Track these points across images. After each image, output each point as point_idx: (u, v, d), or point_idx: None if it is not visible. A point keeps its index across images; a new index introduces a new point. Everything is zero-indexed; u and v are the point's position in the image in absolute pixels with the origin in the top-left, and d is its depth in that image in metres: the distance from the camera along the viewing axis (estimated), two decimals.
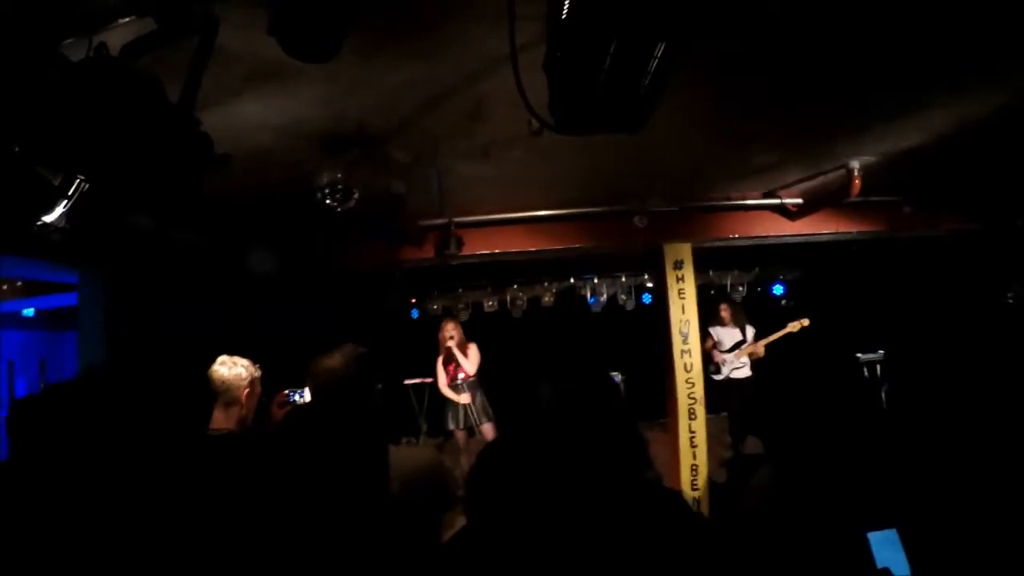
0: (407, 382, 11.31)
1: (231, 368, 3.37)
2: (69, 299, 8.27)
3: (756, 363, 9.59)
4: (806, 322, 9.64)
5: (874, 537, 2.23)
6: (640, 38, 2.06)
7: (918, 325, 9.00)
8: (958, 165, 6.56)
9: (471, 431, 8.18)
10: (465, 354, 8.19)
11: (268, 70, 3.53)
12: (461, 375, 8.19)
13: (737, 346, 9.53)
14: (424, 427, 11.50)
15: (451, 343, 8.14)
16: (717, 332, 9.74)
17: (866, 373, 10.03)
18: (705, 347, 9.30)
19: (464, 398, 8.17)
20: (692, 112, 4.57)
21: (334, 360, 2.86)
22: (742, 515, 2.64)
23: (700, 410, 7.36)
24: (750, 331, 9.71)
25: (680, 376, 7.40)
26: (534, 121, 4.36)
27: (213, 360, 3.48)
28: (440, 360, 8.42)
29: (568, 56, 2.23)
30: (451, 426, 8.33)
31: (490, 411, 8.26)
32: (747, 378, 9.55)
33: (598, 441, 2.02)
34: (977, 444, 2.48)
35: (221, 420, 3.31)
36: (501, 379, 8.52)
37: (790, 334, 9.64)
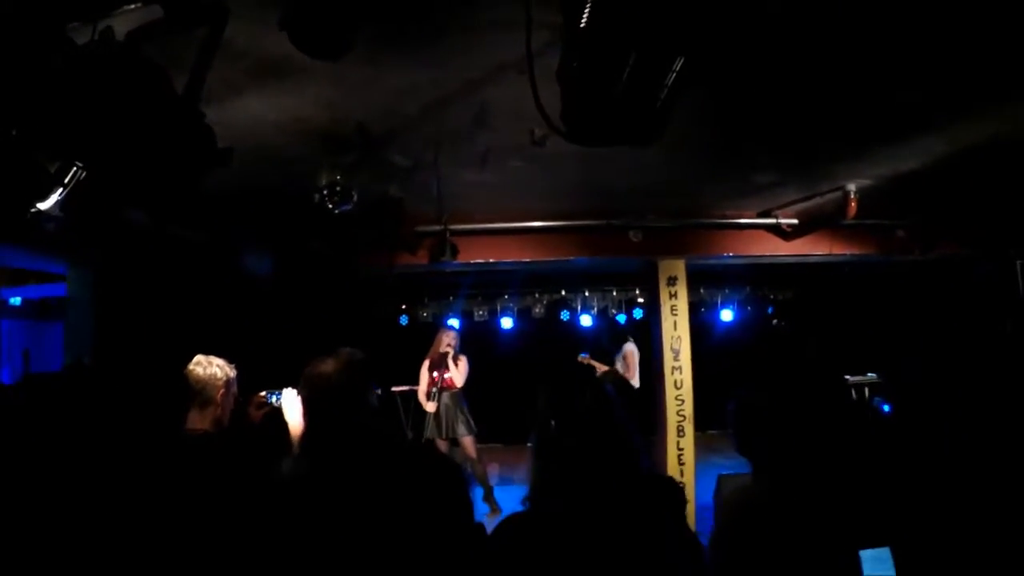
0: (394, 390, 11.23)
1: (206, 368, 3.30)
2: (56, 289, 8.19)
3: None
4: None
5: (866, 555, 2.22)
6: (660, 51, 2.03)
7: (909, 349, 9.02)
8: (952, 191, 6.59)
9: (454, 442, 8.09)
10: (456, 365, 8.14)
11: (273, 66, 3.50)
12: (442, 383, 8.12)
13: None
14: (410, 435, 11.43)
15: (449, 350, 8.08)
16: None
17: (854, 395, 10.06)
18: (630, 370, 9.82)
19: (431, 407, 8.07)
20: (692, 130, 4.56)
21: (328, 366, 2.78)
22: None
23: (689, 428, 7.35)
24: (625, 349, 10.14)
25: (670, 392, 7.39)
26: (536, 131, 4.39)
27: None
28: (426, 364, 8.30)
29: (585, 66, 2.20)
30: (430, 435, 8.20)
31: (472, 423, 8.16)
32: None
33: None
34: (970, 466, 2.46)
35: (196, 420, 3.23)
36: (489, 390, 8.50)
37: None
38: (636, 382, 9.69)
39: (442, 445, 8.06)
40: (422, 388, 8.28)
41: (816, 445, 2.51)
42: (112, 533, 2.22)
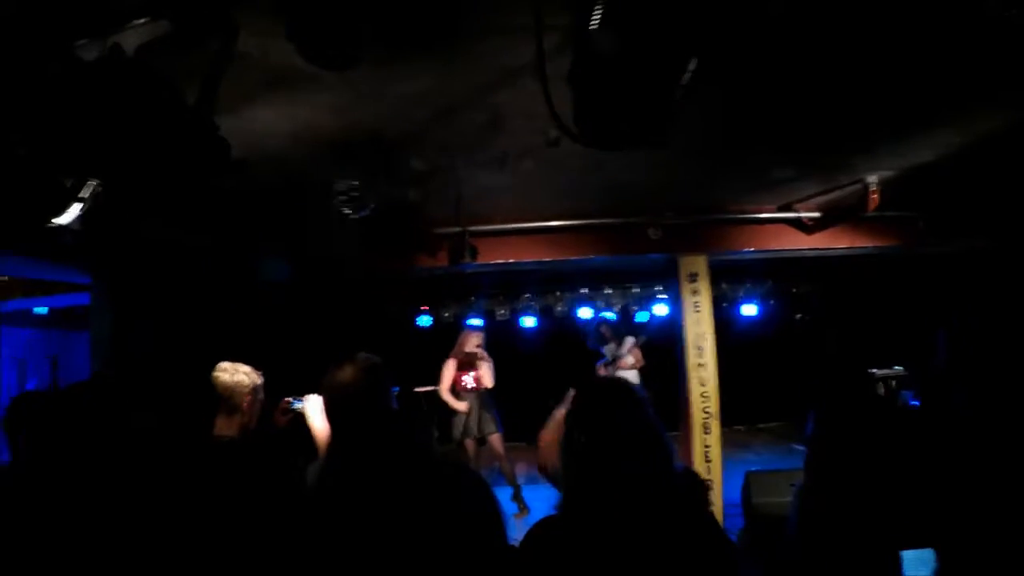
0: (417, 390, 11.22)
1: (232, 375, 3.28)
2: (82, 298, 8.26)
3: (643, 371, 9.70)
4: None
5: (908, 556, 2.18)
6: (673, 52, 1.99)
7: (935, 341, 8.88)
8: (974, 181, 6.50)
9: (482, 441, 8.11)
10: (486, 364, 8.18)
11: (284, 76, 3.49)
12: (471, 384, 8.16)
13: (614, 360, 9.68)
14: (436, 434, 11.42)
15: (478, 350, 8.14)
16: (603, 351, 9.98)
17: (882, 389, 9.93)
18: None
19: (463, 406, 8.12)
20: (708, 127, 4.52)
21: (345, 373, 2.77)
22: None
23: (715, 425, 7.29)
24: (627, 343, 9.80)
25: (695, 390, 7.32)
26: (551, 132, 4.36)
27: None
28: (452, 363, 8.30)
29: (596, 69, 2.16)
30: (458, 435, 8.21)
31: (499, 421, 8.18)
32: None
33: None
34: (1011, 462, 2.40)
35: (223, 427, 3.22)
36: (512, 389, 8.48)
37: None
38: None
39: (471, 445, 8.09)
40: (445, 385, 8.28)
41: (862, 441, 2.46)
42: (142, 539, 2.23)
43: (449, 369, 8.30)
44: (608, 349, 9.77)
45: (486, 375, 8.12)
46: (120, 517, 2.27)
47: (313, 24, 2.32)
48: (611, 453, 1.96)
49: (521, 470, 8.58)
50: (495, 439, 8.06)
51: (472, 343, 8.19)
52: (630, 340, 9.66)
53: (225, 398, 3.24)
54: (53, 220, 2.88)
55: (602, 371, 9.58)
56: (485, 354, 8.24)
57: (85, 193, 2.78)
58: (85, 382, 2.97)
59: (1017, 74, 3.95)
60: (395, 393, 2.94)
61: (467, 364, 8.18)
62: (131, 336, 5.97)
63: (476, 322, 11.27)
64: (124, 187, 2.84)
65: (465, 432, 8.11)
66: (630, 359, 9.51)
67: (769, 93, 4.14)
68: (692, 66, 2.01)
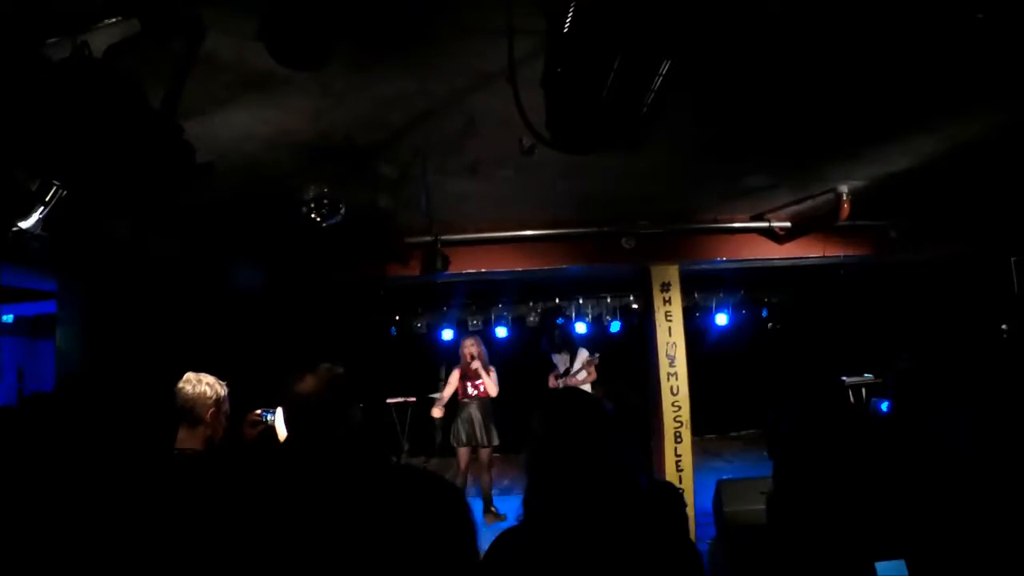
0: (389, 401, 11.17)
1: (195, 386, 3.20)
2: (49, 306, 8.13)
3: (594, 384, 9.38)
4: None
5: (881, 567, 2.18)
6: (645, 54, 1.99)
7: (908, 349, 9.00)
8: (945, 190, 6.58)
9: (473, 450, 8.13)
10: (488, 373, 8.10)
11: (256, 79, 3.45)
12: (474, 392, 8.10)
13: (566, 372, 9.38)
14: (406, 447, 11.37)
15: (472, 358, 8.04)
16: (554, 359, 9.72)
17: (851, 396, 10.06)
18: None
19: (437, 412, 8.16)
20: (682, 134, 4.53)
21: (306, 384, 2.72)
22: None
23: (686, 433, 7.31)
24: (580, 356, 9.49)
25: (666, 399, 7.34)
26: (525, 139, 4.35)
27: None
28: (456, 373, 8.24)
29: (569, 71, 2.16)
30: (454, 442, 8.16)
31: (495, 436, 8.14)
32: None
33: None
34: (978, 474, 2.42)
35: (186, 439, 3.12)
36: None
37: None
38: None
39: (464, 453, 8.10)
40: (447, 392, 8.27)
41: (834, 453, 2.46)
42: (98, 555, 2.17)
43: (453, 377, 8.26)
44: (560, 359, 9.56)
45: (490, 384, 8.03)
46: (75, 532, 2.21)
47: (283, 23, 2.30)
48: (572, 465, 1.95)
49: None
50: (485, 452, 8.06)
51: (464, 350, 8.12)
52: (584, 353, 9.48)
53: (187, 410, 3.16)
54: (18, 224, 2.82)
55: (552, 382, 9.42)
56: (480, 360, 8.07)
57: (49, 196, 2.73)
58: (40, 395, 2.89)
59: (990, 81, 4.00)
60: (360, 406, 2.90)
61: (469, 373, 8.11)
62: (97, 344, 5.88)
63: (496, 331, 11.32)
64: (88, 191, 2.79)
65: (465, 440, 8.07)
66: (583, 374, 9.35)
67: (743, 102, 4.15)
68: (664, 69, 2.01)
